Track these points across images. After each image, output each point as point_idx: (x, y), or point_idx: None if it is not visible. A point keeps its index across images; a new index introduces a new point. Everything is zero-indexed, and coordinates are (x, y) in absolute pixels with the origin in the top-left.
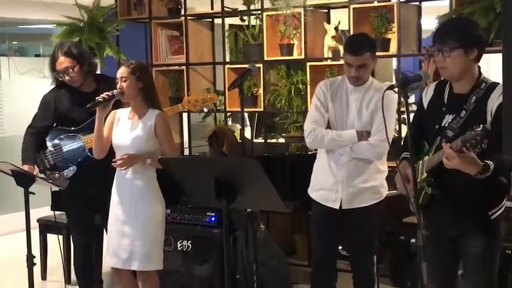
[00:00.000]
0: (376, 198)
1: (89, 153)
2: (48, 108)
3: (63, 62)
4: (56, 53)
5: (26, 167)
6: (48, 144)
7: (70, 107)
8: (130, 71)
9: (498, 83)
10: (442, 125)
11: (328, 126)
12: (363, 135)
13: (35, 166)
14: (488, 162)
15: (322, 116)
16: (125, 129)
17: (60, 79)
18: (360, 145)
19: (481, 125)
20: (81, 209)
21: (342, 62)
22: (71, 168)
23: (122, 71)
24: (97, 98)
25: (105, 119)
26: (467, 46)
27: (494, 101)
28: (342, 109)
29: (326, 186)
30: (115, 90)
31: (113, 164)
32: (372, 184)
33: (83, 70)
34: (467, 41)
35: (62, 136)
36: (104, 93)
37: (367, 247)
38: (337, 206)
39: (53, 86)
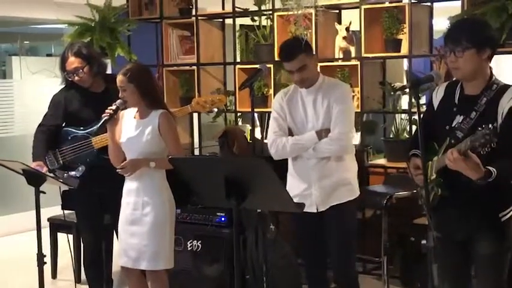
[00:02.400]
0: (349, 195)
1: (98, 153)
2: (58, 107)
3: (73, 62)
4: (66, 53)
5: (35, 164)
6: (58, 144)
7: (79, 107)
8: (128, 80)
9: (510, 85)
10: (452, 125)
11: (291, 136)
12: (322, 133)
13: (45, 164)
14: (491, 169)
15: (282, 126)
16: (130, 129)
17: (70, 79)
18: (321, 143)
19: (490, 125)
20: (90, 208)
21: (353, 62)
22: (80, 168)
23: (119, 80)
24: (103, 115)
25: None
26: (479, 46)
27: (506, 104)
28: (300, 115)
29: (298, 193)
30: (118, 101)
31: (117, 170)
32: (343, 182)
33: (92, 71)
34: (479, 41)
35: (71, 136)
36: (108, 108)
37: (346, 248)
38: (314, 210)
39: (63, 86)
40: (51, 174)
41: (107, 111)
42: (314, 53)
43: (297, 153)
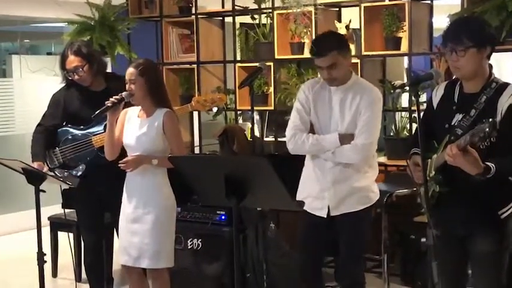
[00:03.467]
0: (365, 203)
1: (98, 152)
2: (58, 106)
3: (72, 61)
4: (66, 52)
5: (35, 165)
6: (58, 143)
7: (80, 106)
8: (139, 73)
9: (509, 83)
10: (452, 124)
11: (312, 131)
12: (345, 138)
13: (45, 164)
14: (490, 164)
15: (304, 120)
16: (134, 128)
17: (70, 78)
18: (343, 149)
19: (490, 119)
20: (91, 207)
21: (353, 60)
22: (80, 166)
23: (130, 73)
24: (106, 102)
25: (117, 118)
26: (480, 45)
27: (505, 101)
28: (325, 111)
29: (312, 194)
30: (124, 93)
31: (119, 165)
32: (360, 189)
33: (92, 69)
34: (480, 40)
35: (72, 135)
36: (113, 97)
37: (355, 256)
38: (324, 215)
39: (63, 85)
40: (51, 173)
41: (111, 99)
42: (349, 50)
43: (315, 153)
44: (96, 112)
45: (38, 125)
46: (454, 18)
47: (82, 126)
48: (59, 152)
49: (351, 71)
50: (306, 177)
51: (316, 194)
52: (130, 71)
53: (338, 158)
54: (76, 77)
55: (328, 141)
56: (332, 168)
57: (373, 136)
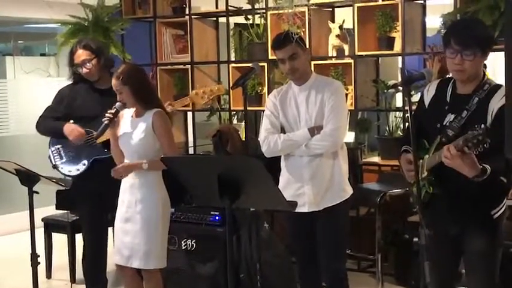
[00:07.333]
0: (341, 196)
1: (101, 148)
2: (61, 102)
3: (81, 54)
4: (75, 48)
5: (70, 127)
6: (60, 141)
7: (84, 103)
8: (121, 83)
9: (501, 85)
10: (444, 124)
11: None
12: (314, 130)
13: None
14: (486, 166)
15: (274, 124)
16: (126, 128)
17: (78, 72)
18: (314, 139)
19: (483, 125)
20: (92, 206)
21: (346, 60)
22: (83, 162)
23: (114, 84)
24: (103, 119)
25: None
26: (485, 49)
27: (496, 103)
28: (293, 112)
29: (291, 192)
30: (117, 104)
31: (111, 174)
32: (336, 181)
33: (100, 63)
34: (486, 45)
35: None
36: (108, 112)
37: (336, 250)
38: (306, 210)
39: (70, 82)
40: (44, 174)
41: (107, 115)
42: (307, 48)
43: (289, 150)
44: (96, 133)
45: (41, 116)
46: (448, 18)
47: (86, 123)
48: (61, 148)
49: (311, 70)
50: (283, 178)
51: (295, 192)
52: (113, 82)
53: (312, 150)
54: (84, 70)
55: (299, 136)
56: (308, 163)
57: (341, 121)
